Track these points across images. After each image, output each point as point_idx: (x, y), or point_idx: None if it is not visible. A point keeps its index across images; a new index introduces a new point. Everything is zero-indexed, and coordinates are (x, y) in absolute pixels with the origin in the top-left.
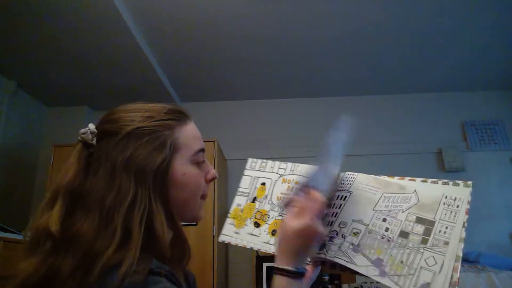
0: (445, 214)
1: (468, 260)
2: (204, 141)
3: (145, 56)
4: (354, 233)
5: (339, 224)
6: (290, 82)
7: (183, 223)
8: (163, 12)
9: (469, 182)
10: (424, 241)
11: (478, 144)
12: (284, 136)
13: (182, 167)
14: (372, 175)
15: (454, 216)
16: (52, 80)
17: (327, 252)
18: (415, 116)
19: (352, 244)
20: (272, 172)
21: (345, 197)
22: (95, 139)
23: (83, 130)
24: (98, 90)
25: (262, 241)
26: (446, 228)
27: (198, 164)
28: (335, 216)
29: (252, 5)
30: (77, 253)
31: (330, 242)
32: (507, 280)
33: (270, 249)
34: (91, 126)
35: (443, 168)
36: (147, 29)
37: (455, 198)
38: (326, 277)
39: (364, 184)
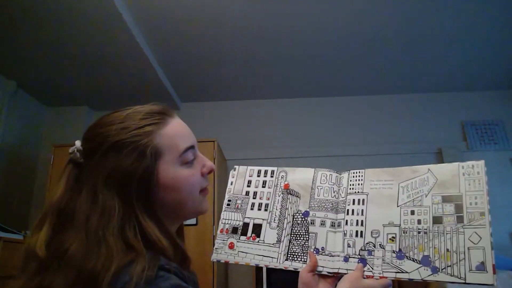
0: (469, 184)
1: None
2: (204, 141)
3: (145, 56)
4: (390, 239)
5: (372, 234)
6: (290, 82)
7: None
8: (163, 12)
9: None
10: (460, 219)
11: (478, 144)
12: (284, 136)
13: (169, 172)
14: (380, 168)
15: (479, 183)
16: (52, 80)
17: (372, 269)
18: (415, 116)
19: (394, 251)
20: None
21: (363, 200)
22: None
23: (70, 150)
24: (98, 90)
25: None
26: (476, 198)
27: (189, 163)
28: (362, 225)
29: (252, 5)
30: (70, 273)
31: (371, 256)
32: (507, 280)
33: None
34: (77, 144)
35: None
36: (147, 29)
37: (473, 166)
38: None
39: (376, 180)
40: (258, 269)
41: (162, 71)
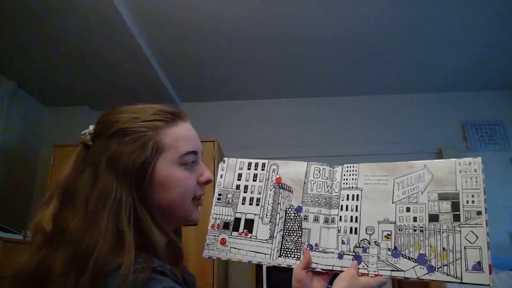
0: (466, 182)
1: None
2: (204, 141)
3: (145, 56)
4: (385, 236)
5: (366, 230)
6: (290, 82)
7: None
8: (163, 12)
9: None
10: (456, 218)
11: (478, 144)
12: (284, 136)
13: (165, 169)
14: (374, 163)
15: (476, 181)
16: (52, 80)
17: (367, 266)
18: (415, 116)
19: (389, 249)
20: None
21: (357, 195)
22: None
23: (83, 132)
24: (98, 90)
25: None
26: (473, 196)
27: (187, 165)
28: (356, 222)
29: (252, 6)
30: (67, 250)
31: (366, 253)
32: (507, 280)
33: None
34: (91, 127)
35: None
36: (147, 29)
37: (469, 163)
38: None
39: (371, 176)
40: (258, 268)
41: (162, 71)
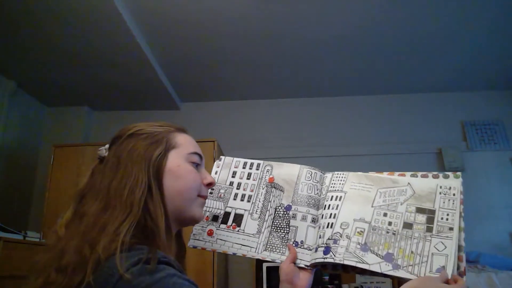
0: (444, 202)
1: (468, 260)
2: (204, 141)
3: (145, 56)
4: (358, 232)
5: (341, 225)
6: (290, 82)
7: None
8: (163, 12)
9: (458, 173)
10: (429, 229)
11: (478, 144)
12: (284, 136)
13: (177, 160)
14: (362, 173)
15: (453, 203)
16: (52, 80)
17: (334, 255)
18: (415, 116)
19: (359, 243)
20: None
21: (340, 197)
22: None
23: (100, 148)
24: (98, 90)
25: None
26: (448, 215)
27: (193, 163)
28: (334, 218)
29: (252, 5)
30: (88, 221)
31: (336, 245)
32: (507, 280)
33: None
34: (106, 146)
35: (443, 168)
36: (147, 29)
37: (450, 187)
38: (326, 277)
39: (357, 183)
40: (258, 268)
41: (162, 71)
